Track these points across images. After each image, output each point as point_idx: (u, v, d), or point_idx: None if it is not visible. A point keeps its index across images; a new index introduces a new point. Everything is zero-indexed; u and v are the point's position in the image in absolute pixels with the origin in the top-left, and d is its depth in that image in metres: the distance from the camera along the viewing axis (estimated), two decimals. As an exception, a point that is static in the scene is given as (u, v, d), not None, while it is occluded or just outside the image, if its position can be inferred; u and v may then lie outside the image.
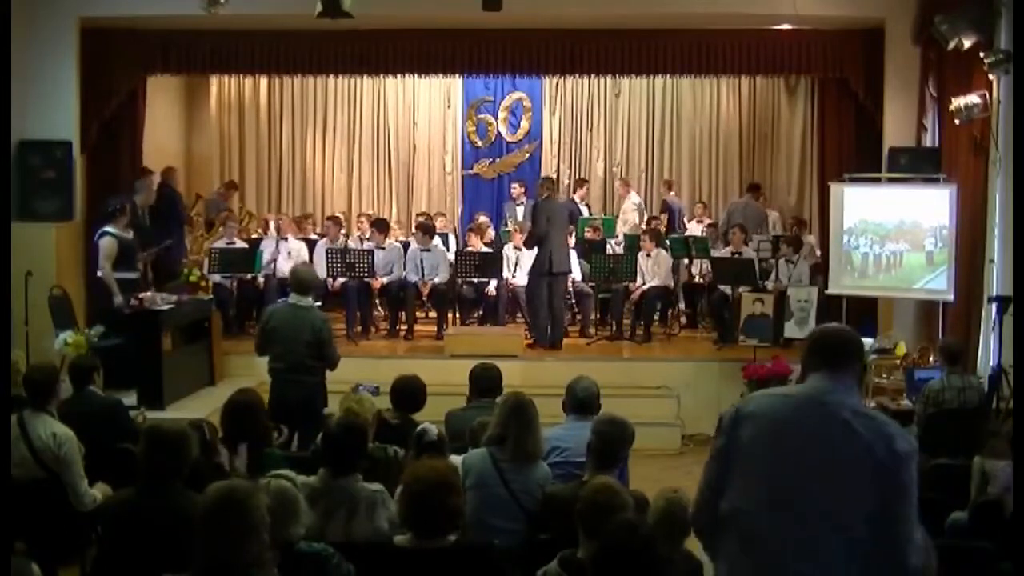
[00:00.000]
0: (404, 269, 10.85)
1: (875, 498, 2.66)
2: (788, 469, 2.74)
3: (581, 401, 5.14)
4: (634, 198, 12.84)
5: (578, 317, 11.16)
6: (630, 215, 12.65)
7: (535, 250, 10.30)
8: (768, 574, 2.73)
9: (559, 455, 4.87)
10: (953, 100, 8.86)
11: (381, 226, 11.22)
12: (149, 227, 9.94)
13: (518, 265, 10.93)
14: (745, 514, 2.76)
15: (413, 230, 11.81)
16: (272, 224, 12.12)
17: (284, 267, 10.23)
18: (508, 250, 11.13)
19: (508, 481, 4.37)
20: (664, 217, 12.66)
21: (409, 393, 5.57)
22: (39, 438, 4.97)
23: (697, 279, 11.56)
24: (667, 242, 11.36)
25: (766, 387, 8.65)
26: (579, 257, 11.22)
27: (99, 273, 8.87)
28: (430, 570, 3.56)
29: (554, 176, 12.86)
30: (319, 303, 10.27)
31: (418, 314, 11.16)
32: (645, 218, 12.64)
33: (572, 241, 11.20)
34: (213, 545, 3.09)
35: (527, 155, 13.84)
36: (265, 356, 6.85)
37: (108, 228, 8.83)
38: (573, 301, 11.17)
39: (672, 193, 13.11)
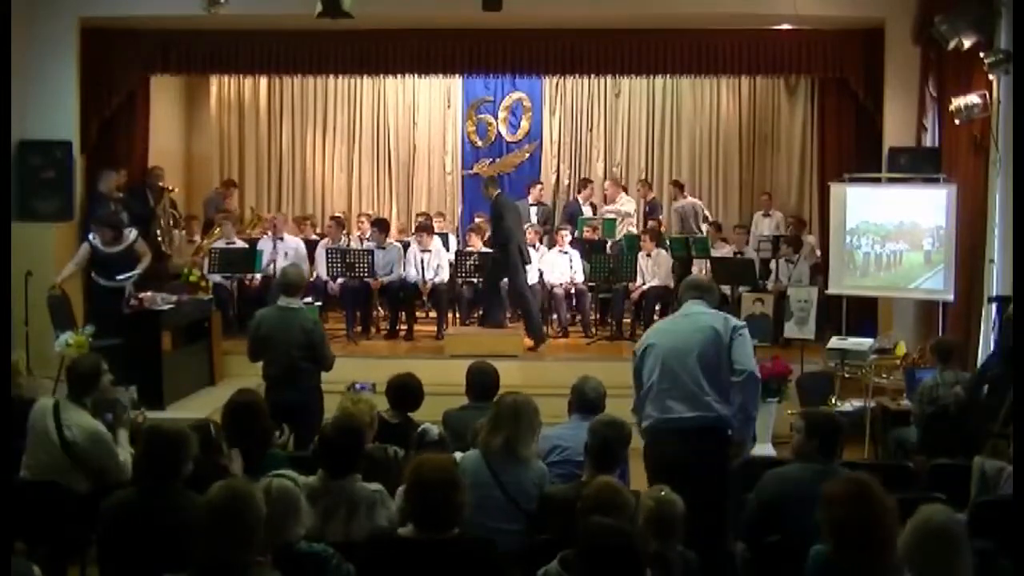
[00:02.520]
0: (404, 269, 10.85)
1: (724, 352, 4.72)
2: (674, 355, 4.79)
3: (591, 402, 5.14)
4: (625, 201, 12.75)
5: (578, 317, 11.17)
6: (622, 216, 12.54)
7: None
8: (664, 409, 4.74)
9: (559, 454, 4.86)
10: (953, 100, 8.85)
11: (381, 226, 11.21)
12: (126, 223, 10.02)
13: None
14: (656, 384, 4.80)
15: (413, 230, 11.81)
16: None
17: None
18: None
19: (503, 483, 4.34)
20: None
21: (407, 391, 5.54)
22: (69, 428, 5.05)
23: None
24: (667, 242, 11.36)
25: (766, 387, 8.69)
26: (581, 258, 11.21)
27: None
28: (434, 560, 3.59)
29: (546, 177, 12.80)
30: (319, 303, 10.41)
31: (418, 314, 11.16)
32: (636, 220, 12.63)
33: (568, 239, 11.22)
34: (214, 544, 3.10)
35: (527, 155, 13.82)
36: (259, 362, 6.77)
37: (90, 236, 8.89)
38: (573, 301, 11.19)
39: (654, 195, 13.07)
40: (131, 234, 9.01)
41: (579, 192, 12.94)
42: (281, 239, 11.11)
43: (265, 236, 11.51)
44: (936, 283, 9.21)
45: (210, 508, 3.19)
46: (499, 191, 10.29)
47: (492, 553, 3.77)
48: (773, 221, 12.38)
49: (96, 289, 9.01)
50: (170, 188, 11.34)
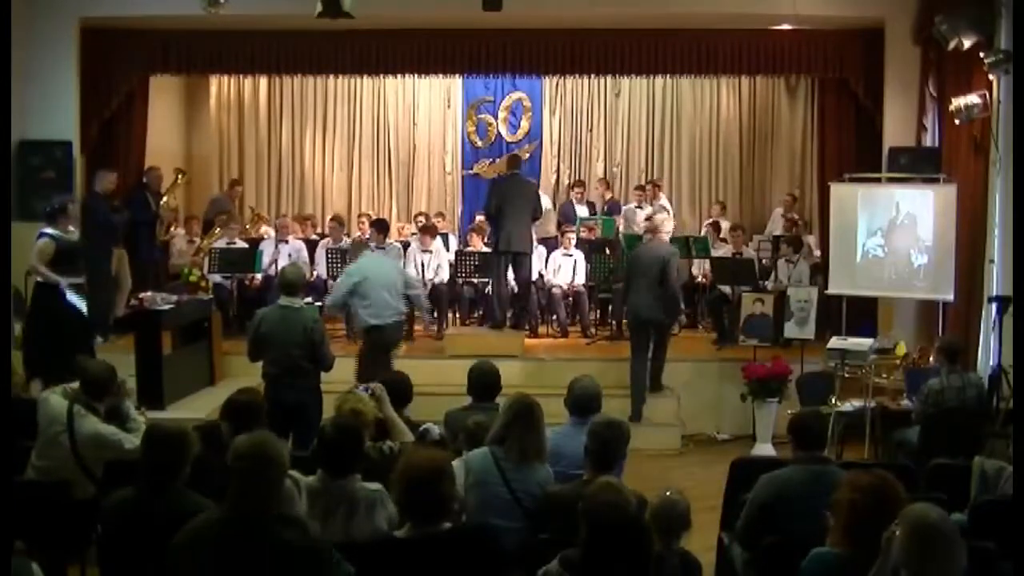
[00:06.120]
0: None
1: (403, 279, 8.30)
2: (382, 285, 7.99)
3: (578, 399, 5.16)
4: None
5: (578, 317, 11.17)
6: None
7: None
8: (382, 317, 7.98)
9: (559, 465, 4.84)
10: (953, 100, 8.86)
11: (381, 226, 11.19)
12: (116, 222, 9.97)
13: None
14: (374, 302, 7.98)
15: (414, 231, 11.80)
16: (271, 225, 12.12)
17: (286, 268, 10.20)
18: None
19: (510, 481, 4.36)
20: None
21: (402, 388, 5.51)
22: (81, 436, 5.10)
23: (699, 278, 11.56)
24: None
25: (766, 387, 8.71)
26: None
27: (37, 276, 8.37)
28: (428, 557, 3.59)
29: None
30: (319, 303, 10.41)
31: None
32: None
33: (574, 242, 11.22)
34: (245, 491, 3.26)
35: (527, 155, 13.81)
36: (258, 362, 6.76)
37: (46, 229, 8.32)
38: (571, 300, 11.19)
39: (612, 195, 12.99)
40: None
41: (571, 192, 12.93)
42: (285, 241, 11.13)
43: (267, 237, 11.52)
44: (938, 283, 9.20)
45: (238, 455, 3.33)
46: (514, 171, 10.36)
47: (489, 541, 3.77)
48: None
49: (38, 291, 8.40)
50: (177, 179, 11.42)
